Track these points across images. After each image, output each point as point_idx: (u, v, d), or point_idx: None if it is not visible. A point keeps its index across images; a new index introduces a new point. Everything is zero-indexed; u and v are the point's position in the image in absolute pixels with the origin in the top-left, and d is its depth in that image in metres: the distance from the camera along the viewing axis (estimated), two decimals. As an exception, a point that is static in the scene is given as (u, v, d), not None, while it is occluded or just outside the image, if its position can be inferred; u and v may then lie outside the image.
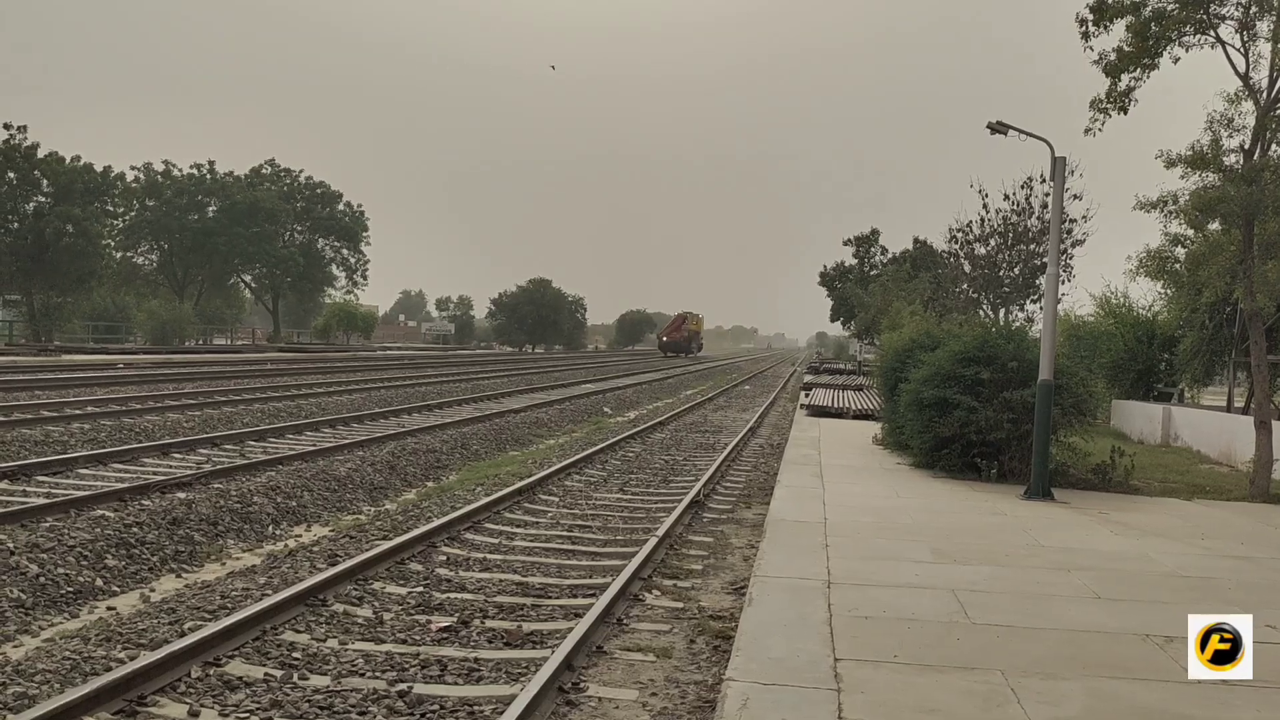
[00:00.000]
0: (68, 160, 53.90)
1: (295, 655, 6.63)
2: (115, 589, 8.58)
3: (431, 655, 6.71)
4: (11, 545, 8.68)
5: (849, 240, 74.41)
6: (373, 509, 12.78)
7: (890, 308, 44.46)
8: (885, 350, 25.41)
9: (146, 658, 6.03)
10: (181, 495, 11.44)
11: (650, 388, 40.72)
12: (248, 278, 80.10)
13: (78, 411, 18.85)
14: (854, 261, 74.87)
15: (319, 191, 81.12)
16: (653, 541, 10.00)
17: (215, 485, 12.25)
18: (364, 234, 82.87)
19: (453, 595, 8.31)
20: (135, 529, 9.83)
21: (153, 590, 8.61)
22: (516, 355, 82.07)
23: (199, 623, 7.19)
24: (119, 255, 68.44)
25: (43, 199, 53.25)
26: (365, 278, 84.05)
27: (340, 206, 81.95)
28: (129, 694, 5.68)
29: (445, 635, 7.21)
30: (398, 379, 35.67)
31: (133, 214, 69.84)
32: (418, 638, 7.16)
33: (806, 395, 33.23)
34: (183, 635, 6.78)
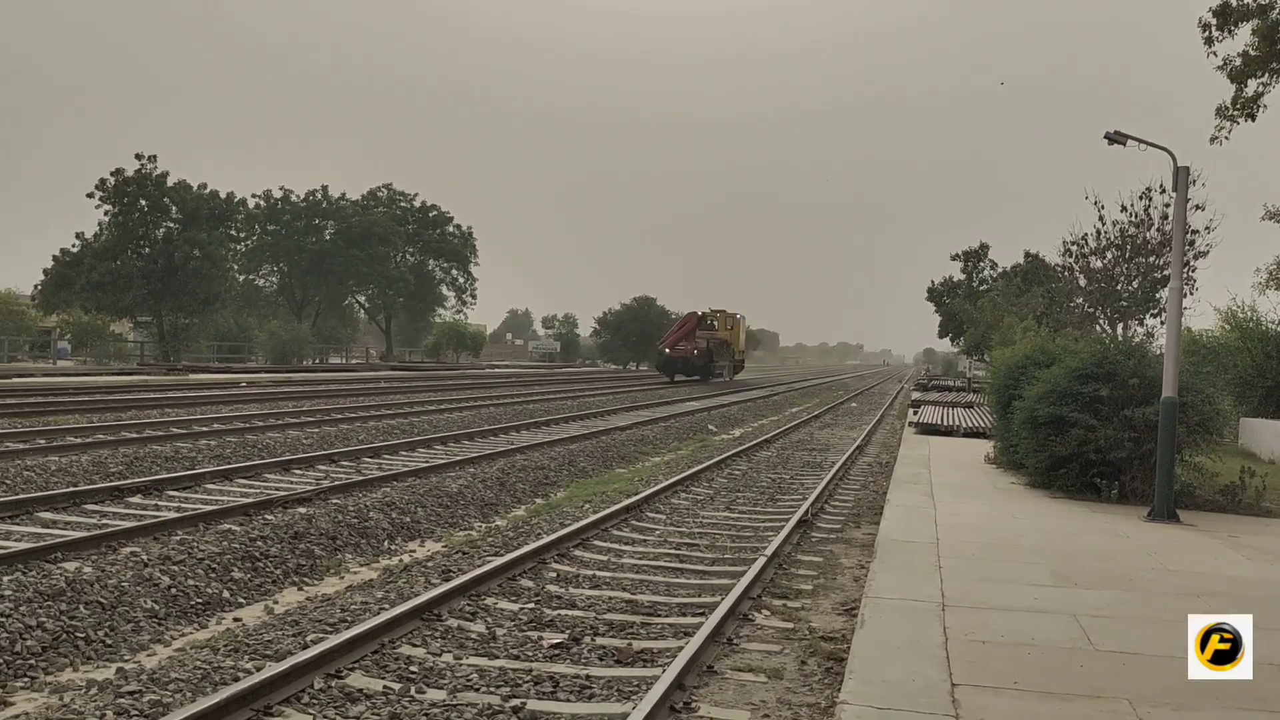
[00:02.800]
0: (194, 188, 56.34)
1: (412, 669, 6.78)
2: (241, 600, 8.91)
3: (544, 672, 6.79)
4: (145, 557, 9.10)
5: (956, 255, 73.04)
6: (484, 525, 13.00)
7: (1001, 323, 43.41)
8: (996, 366, 24.80)
9: (272, 669, 6.24)
10: (302, 510, 11.82)
11: (754, 405, 40.51)
12: (362, 298, 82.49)
13: (205, 429, 19.64)
14: (962, 276, 73.46)
15: (430, 215, 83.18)
16: (761, 560, 9.94)
17: (334, 501, 12.62)
18: (472, 255, 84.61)
19: (563, 612, 8.40)
20: (259, 542, 10.20)
21: (276, 602, 8.91)
22: (620, 372, 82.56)
23: (321, 635, 7.41)
24: (241, 278, 71.21)
25: (172, 225, 55.77)
26: (474, 297, 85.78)
27: (450, 229, 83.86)
28: (256, 704, 5.89)
29: (557, 652, 7.29)
30: (506, 396, 36.20)
31: (254, 238, 72.63)
32: (530, 654, 7.25)
33: (915, 412, 32.65)
34: (305, 647, 6.99)
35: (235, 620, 8.27)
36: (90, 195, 54.35)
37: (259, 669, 6.52)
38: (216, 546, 9.76)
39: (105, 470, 14.32)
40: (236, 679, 6.34)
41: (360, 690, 6.33)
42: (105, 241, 54.69)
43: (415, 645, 7.32)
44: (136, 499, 12.45)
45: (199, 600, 8.61)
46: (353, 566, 10.45)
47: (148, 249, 55.08)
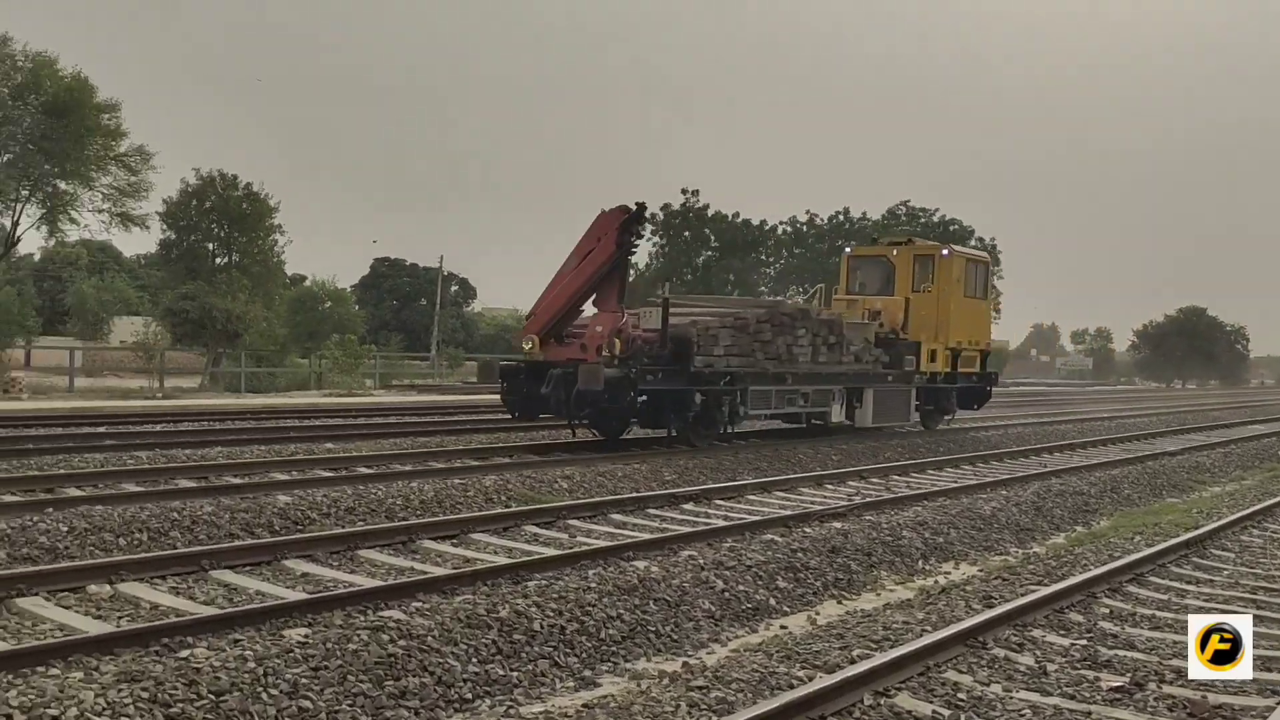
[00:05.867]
0: (729, 217, 60.83)
1: (960, 696, 6.65)
2: (785, 609, 9.34)
3: (1104, 716, 6.33)
4: (701, 561, 9.87)
5: None
6: (1020, 551, 12.47)
7: None
8: None
9: (824, 680, 6.45)
10: (837, 525, 12.14)
11: (1341, 430, 34.62)
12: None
13: (742, 442, 20.93)
14: None
15: (951, 229, 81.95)
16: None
17: (866, 517, 12.82)
18: (996, 269, 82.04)
19: (1120, 652, 7.75)
20: (799, 554, 10.62)
21: (817, 614, 9.22)
22: (1162, 391, 75.15)
23: (865, 651, 7.51)
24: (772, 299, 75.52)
25: (710, 252, 60.68)
26: (997, 312, 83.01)
27: (972, 243, 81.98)
28: (811, 712, 6.09)
29: (1117, 696, 6.76)
30: (1032, 415, 34.54)
31: (782, 262, 76.64)
32: (1086, 695, 6.78)
33: None
34: (852, 662, 7.14)
35: (782, 628, 8.68)
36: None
37: (809, 678, 6.77)
38: (761, 555, 10.33)
39: (660, 479, 15.78)
40: (790, 685, 6.63)
41: (909, 712, 6.32)
42: (656, 270, 60.85)
43: (961, 671, 7.17)
44: (689, 505, 13.58)
45: (749, 605, 9.17)
46: (888, 584, 10.54)
47: (690, 275, 60.32)
